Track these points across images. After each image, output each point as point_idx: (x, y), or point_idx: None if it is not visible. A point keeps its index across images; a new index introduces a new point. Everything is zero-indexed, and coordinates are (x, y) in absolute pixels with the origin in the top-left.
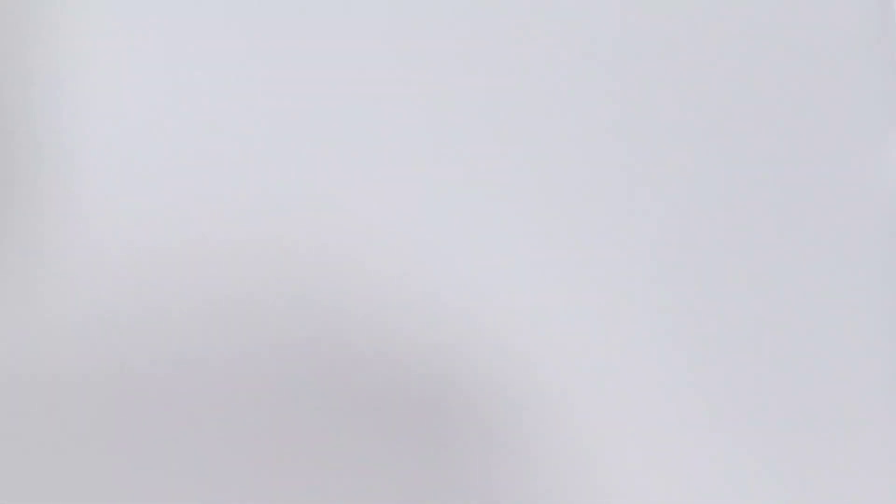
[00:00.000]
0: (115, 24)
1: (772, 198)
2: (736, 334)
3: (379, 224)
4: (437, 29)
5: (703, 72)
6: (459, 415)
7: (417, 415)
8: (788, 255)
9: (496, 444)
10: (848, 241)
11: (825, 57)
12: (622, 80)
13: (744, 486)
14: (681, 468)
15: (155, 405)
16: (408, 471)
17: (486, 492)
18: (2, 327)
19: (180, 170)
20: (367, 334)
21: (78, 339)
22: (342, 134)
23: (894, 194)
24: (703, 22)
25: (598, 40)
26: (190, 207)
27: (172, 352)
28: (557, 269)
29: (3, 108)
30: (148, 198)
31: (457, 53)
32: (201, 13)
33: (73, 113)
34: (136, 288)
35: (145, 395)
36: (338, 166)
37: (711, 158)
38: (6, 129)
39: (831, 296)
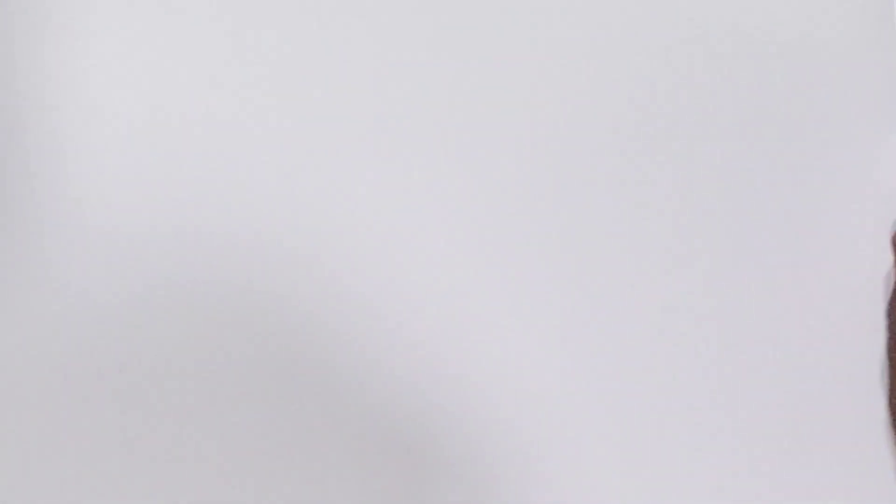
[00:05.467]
0: (111, 22)
1: (773, 200)
2: (738, 337)
3: (379, 225)
4: (436, 31)
5: (702, 74)
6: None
7: (410, 429)
8: (789, 257)
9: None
10: (849, 241)
11: (826, 58)
12: (620, 84)
13: None
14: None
15: (150, 403)
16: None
17: None
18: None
19: (176, 168)
20: (360, 331)
21: (74, 337)
22: (344, 136)
23: (894, 194)
24: (703, 23)
25: (598, 40)
26: (187, 206)
27: (167, 351)
28: (550, 274)
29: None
30: (143, 196)
31: (456, 57)
32: (201, 13)
33: (70, 112)
34: (131, 285)
35: (141, 394)
36: (338, 167)
37: (712, 161)
38: (3, 127)
39: (832, 298)
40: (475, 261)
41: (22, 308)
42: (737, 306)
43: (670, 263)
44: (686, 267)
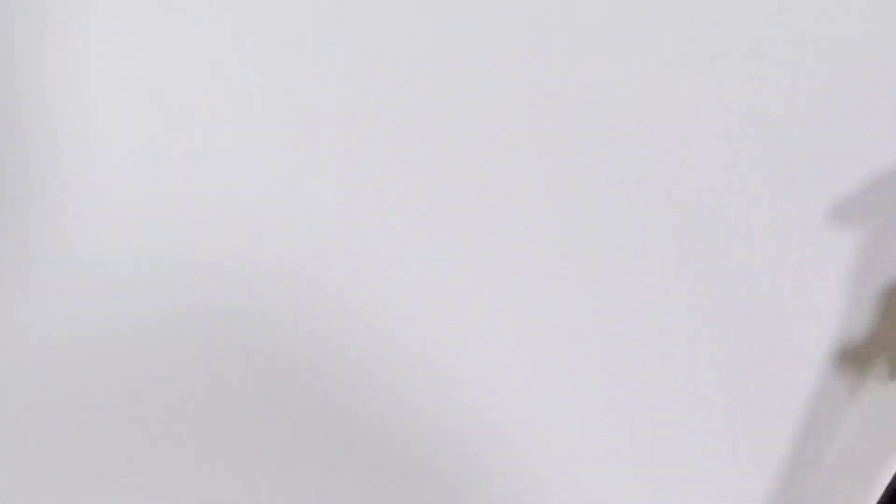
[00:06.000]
0: (111, 22)
1: (776, 199)
2: (740, 338)
3: (381, 226)
4: (436, 31)
5: (703, 74)
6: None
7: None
8: (793, 257)
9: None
10: (853, 241)
11: (826, 58)
12: (620, 83)
13: None
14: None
15: (150, 403)
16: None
17: None
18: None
19: (177, 168)
20: (361, 332)
21: (73, 337)
22: (345, 136)
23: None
24: (703, 22)
25: (598, 40)
26: (188, 206)
27: (167, 351)
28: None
29: None
30: (143, 196)
31: (456, 58)
32: (201, 13)
33: (70, 112)
34: (131, 285)
35: (141, 394)
36: (340, 168)
37: (711, 160)
38: (3, 127)
39: (836, 298)
40: (475, 262)
41: (21, 308)
42: (740, 307)
43: (669, 263)
44: (686, 267)
